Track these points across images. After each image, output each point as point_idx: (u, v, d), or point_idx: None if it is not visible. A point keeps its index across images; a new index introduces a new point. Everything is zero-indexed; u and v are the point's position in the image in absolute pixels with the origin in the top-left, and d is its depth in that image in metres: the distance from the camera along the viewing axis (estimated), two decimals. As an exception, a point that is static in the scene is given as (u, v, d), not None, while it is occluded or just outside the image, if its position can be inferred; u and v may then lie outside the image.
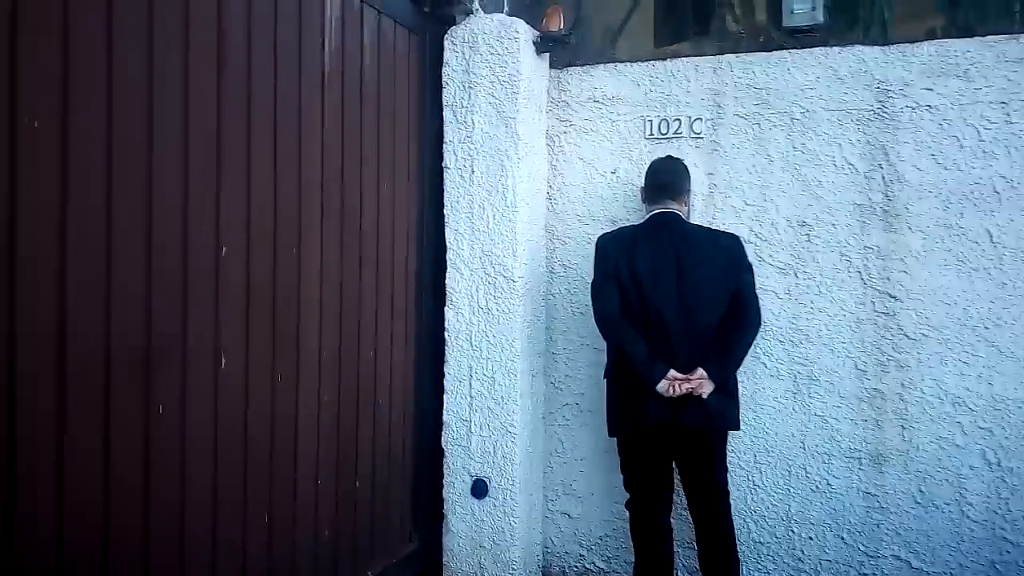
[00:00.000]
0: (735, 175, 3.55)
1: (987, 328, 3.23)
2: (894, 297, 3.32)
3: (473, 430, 3.50)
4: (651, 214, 3.22)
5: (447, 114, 3.52)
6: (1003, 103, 3.20)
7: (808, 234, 3.44)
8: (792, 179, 3.46)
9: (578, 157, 3.79)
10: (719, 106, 3.57)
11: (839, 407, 3.42)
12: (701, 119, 3.59)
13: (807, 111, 3.43)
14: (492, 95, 3.45)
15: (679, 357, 3.06)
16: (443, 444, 3.56)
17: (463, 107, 3.48)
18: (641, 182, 3.50)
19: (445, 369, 3.55)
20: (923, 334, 3.29)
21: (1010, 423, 3.23)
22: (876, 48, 3.35)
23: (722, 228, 3.52)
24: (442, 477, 3.57)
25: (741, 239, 3.22)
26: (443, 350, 3.56)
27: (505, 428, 3.46)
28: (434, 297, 3.55)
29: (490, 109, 3.44)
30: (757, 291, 3.19)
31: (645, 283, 3.08)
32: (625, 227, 3.32)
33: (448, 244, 3.54)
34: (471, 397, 3.50)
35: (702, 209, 3.58)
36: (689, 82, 3.61)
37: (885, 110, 3.33)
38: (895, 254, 3.32)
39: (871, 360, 3.37)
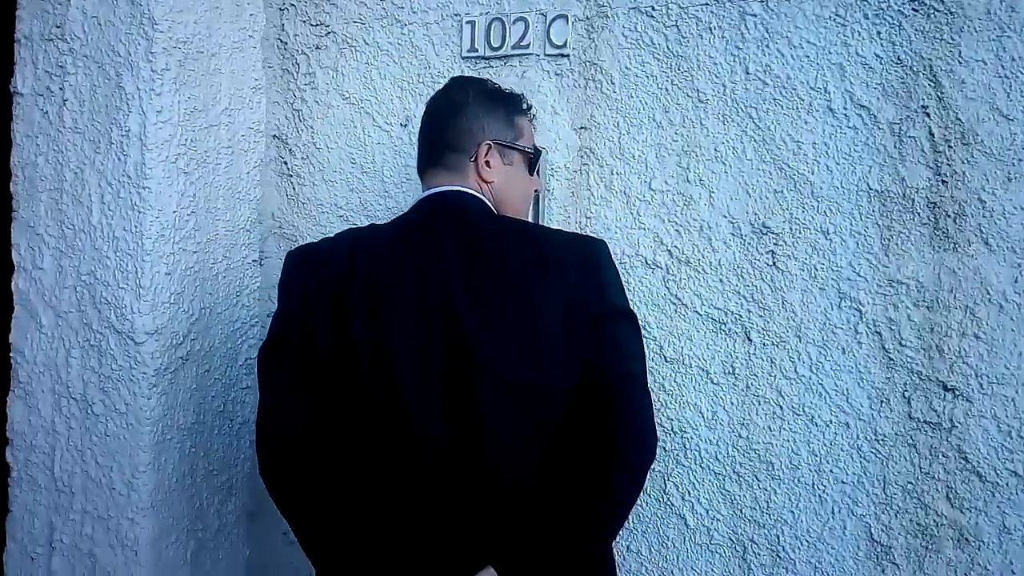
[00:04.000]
0: (631, 131, 1.74)
1: None
2: (952, 390, 1.54)
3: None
4: (418, 200, 1.41)
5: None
6: None
7: (774, 251, 1.65)
8: (743, 137, 1.67)
9: (340, 95, 1.95)
10: (601, -9, 1.77)
11: (835, 616, 1.61)
12: (566, 17, 1.78)
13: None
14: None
15: (448, 540, 1.23)
16: None
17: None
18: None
19: (8, 524, 1.66)
20: (1013, 471, 1.51)
21: None
22: None
23: (602, 236, 1.73)
24: None
25: (607, 248, 1.37)
26: (5, 487, 1.67)
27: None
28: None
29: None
30: (647, 368, 1.38)
31: (368, 360, 1.24)
32: (358, 229, 1.42)
33: (17, 258, 1.66)
34: (42, 594, 1.61)
35: (565, 200, 1.77)
36: (542, -57, 1.81)
37: (941, -8, 1.57)
38: (957, 299, 1.54)
39: (901, 522, 1.57)
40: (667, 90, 1.71)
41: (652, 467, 1.71)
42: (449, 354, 1.23)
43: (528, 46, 1.79)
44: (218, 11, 1.69)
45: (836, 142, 1.60)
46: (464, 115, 1.39)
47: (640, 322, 1.69)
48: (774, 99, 1.64)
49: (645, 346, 1.69)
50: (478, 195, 1.37)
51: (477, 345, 1.22)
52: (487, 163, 1.38)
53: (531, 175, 1.47)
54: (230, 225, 1.75)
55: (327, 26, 1.95)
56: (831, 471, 1.60)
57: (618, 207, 1.74)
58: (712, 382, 1.67)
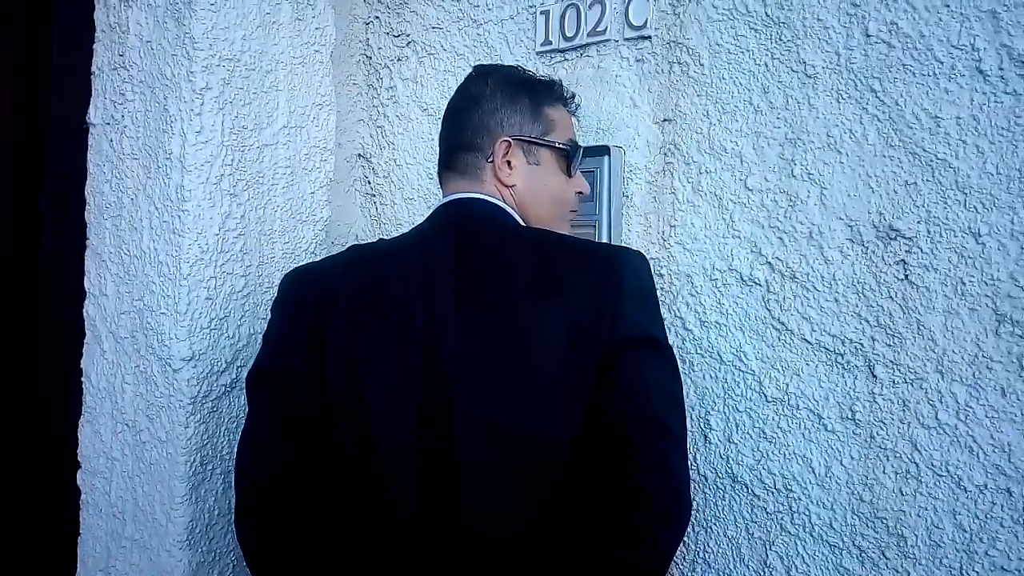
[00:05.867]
0: (723, 119, 1.44)
1: None
2: None
3: None
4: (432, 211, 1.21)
5: (98, 11, 1.68)
6: None
7: (906, 261, 1.27)
8: (863, 117, 1.31)
9: (419, 107, 1.83)
10: (685, -42, 1.50)
11: None
12: (645, -6, 1.53)
13: (904, -62, 1.29)
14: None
15: None
16: None
17: (120, -7, 1.62)
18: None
19: (79, 549, 1.66)
20: None
21: None
22: None
23: (689, 248, 1.44)
24: None
25: (642, 260, 1.10)
26: (77, 510, 1.68)
27: None
28: (68, 401, 1.69)
29: (158, -12, 1.57)
30: (685, 421, 1.15)
31: (340, 399, 1.06)
32: (363, 245, 1.23)
33: (88, 285, 1.67)
34: (94, 627, 1.59)
35: (646, 206, 1.50)
36: (617, -89, 1.56)
37: None
38: None
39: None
40: (766, 66, 1.40)
41: (751, 533, 1.38)
42: (429, 395, 1.03)
43: (605, 31, 1.55)
44: (275, 26, 1.62)
45: (988, 115, 1.21)
46: (479, 108, 1.19)
47: (735, 352, 1.40)
48: (903, 65, 1.28)
49: (743, 383, 1.39)
50: (497, 202, 1.17)
51: (458, 384, 1.01)
52: (507, 163, 1.17)
53: (569, 176, 1.24)
54: (290, 247, 1.67)
55: (408, 35, 1.84)
56: (986, 552, 1.18)
57: (707, 212, 1.44)
58: (826, 429, 1.32)
